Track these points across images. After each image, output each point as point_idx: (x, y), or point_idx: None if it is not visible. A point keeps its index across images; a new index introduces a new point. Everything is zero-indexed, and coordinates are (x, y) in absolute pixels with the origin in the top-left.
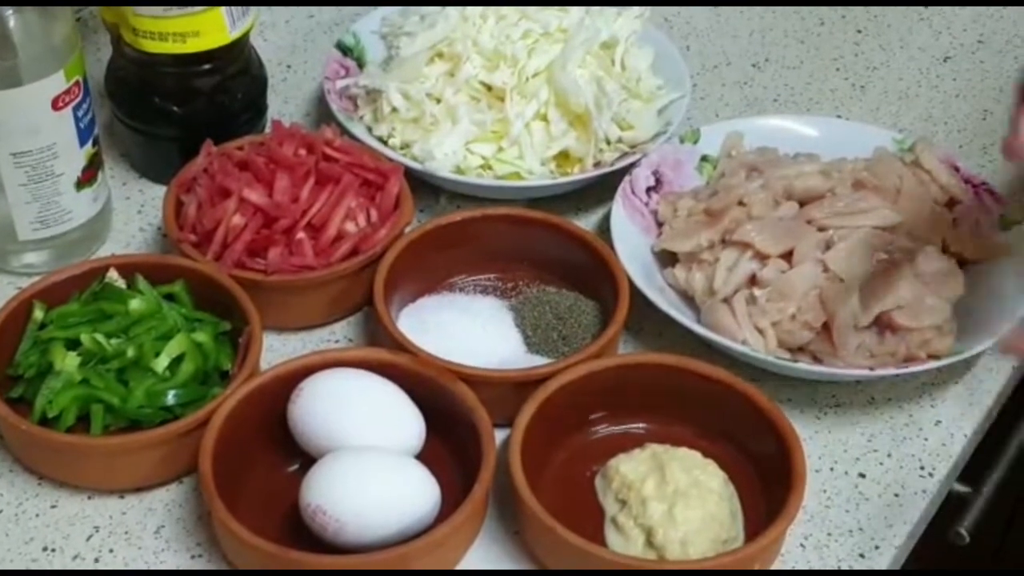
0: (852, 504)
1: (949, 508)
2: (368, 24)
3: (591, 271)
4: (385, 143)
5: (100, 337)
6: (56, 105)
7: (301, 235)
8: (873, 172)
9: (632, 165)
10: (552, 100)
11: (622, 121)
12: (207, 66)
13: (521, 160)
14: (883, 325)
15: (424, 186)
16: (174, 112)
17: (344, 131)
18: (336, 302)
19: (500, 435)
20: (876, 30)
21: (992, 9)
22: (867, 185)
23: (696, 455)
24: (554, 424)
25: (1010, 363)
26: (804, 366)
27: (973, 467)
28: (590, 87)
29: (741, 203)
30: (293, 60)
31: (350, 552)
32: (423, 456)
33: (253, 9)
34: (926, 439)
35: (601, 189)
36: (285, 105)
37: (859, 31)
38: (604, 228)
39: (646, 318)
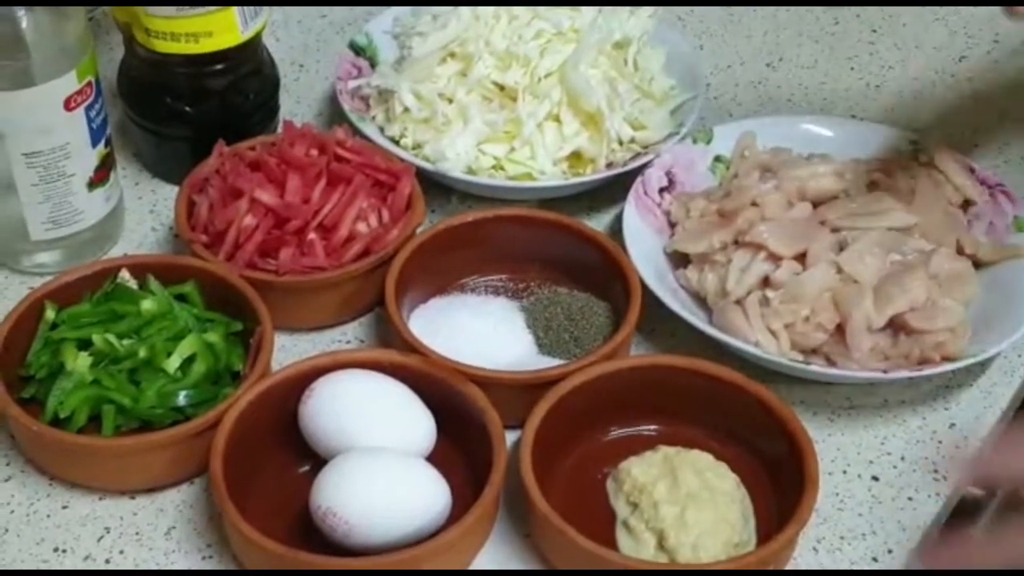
0: (865, 507)
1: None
2: (380, 24)
3: (603, 272)
4: (397, 143)
5: (112, 337)
6: (68, 105)
7: (312, 236)
8: (887, 173)
9: (645, 166)
10: (564, 100)
11: (634, 121)
12: (219, 66)
13: (533, 160)
14: (897, 327)
15: (436, 186)
16: (186, 112)
17: (356, 131)
18: (347, 303)
19: (511, 437)
20: (891, 29)
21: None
22: (881, 186)
23: (708, 457)
24: (565, 426)
25: None
26: (817, 368)
27: None
28: (602, 87)
29: (754, 204)
30: (305, 60)
31: (360, 554)
32: (433, 458)
33: (265, 9)
34: (940, 442)
35: (613, 190)
36: (297, 105)
37: (874, 31)
38: (616, 229)
39: (658, 319)
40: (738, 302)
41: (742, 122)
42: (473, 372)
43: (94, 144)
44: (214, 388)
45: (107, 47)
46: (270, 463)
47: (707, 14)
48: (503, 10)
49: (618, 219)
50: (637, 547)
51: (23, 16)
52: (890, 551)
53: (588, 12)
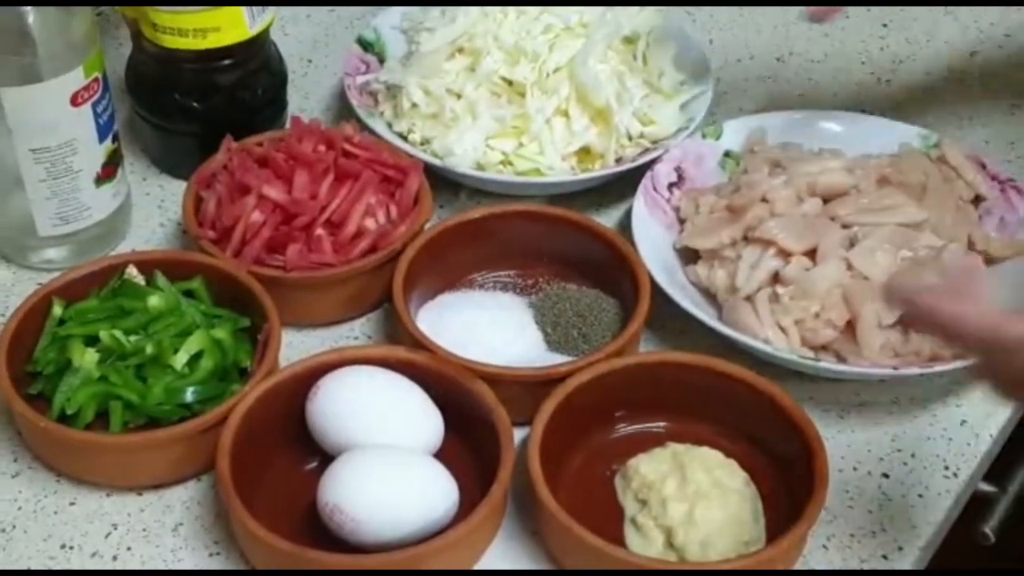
0: (875, 505)
1: (974, 508)
2: (389, 19)
3: (612, 268)
4: (405, 139)
5: (119, 334)
6: (75, 101)
7: (320, 232)
8: (898, 168)
9: (654, 161)
10: (573, 95)
11: (643, 116)
12: (227, 62)
13: (542, 156)
14: (908, 324)
15: (444, 182)
16: (194, 108)
17: (364, 127)
18: (355, 299)
19: (519, 434)
20: (902, 24)
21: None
22: (892, 182)
23: (717, 455)
24: (574, 423)
25: None
26: (828, 365)
27: (998, 466)
28: (611, 82)
29: (764, 200)
30: (314, 55)
31: (367, 551)
32: (441, 455)
33: (274, 6)
34: (951, 439)
35: (622, 185)
36: (305, 100)
37: (884, 25)
38: (625, 225)
39: (667, 316)
40: (748, 298)
41: (752, 117)
42: (481, 369)
43: (101, 140)
44: (221, 384)
45: (115, 42)
46: (277, 460)
47: (716, 8)
48: (511, 5)
49: (627, 215)
50: (645, 545)
51: (30, 12)
52: (900, 548)
53: (596, 7)
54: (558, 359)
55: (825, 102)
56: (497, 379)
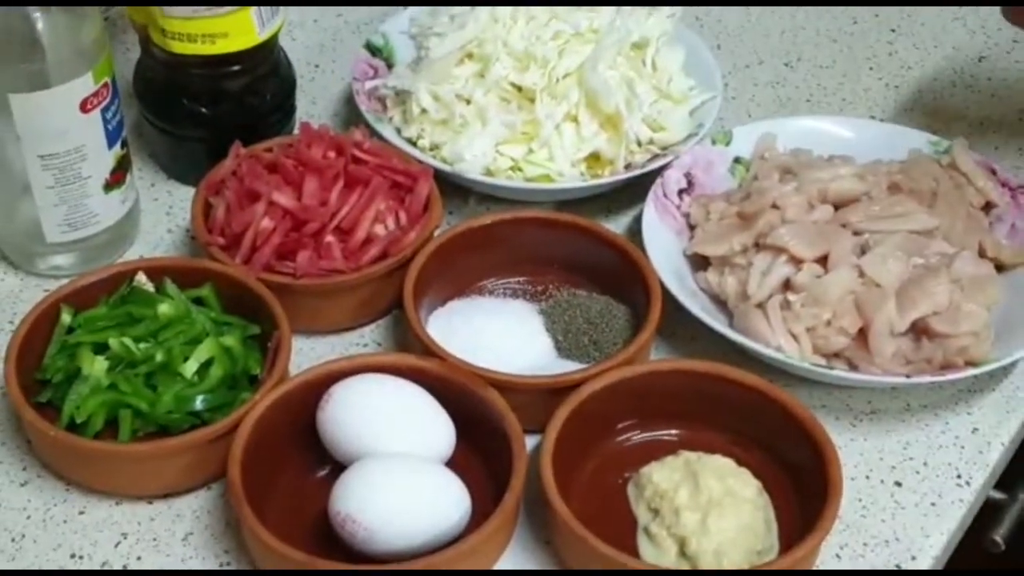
0: (888, 514)
1: (984, 515)
2: (397, 24)
3: (622, 275)
4: (414, 144)
5: (128, 341)
6: (84, 107)
7: (330, 238)
8: (909, 175)
9: (663, 167)
10: (583, 101)
11: (653, 122)
12: (236, 67)
13: (551, 162)
14: (920, 331)
15: (453, 188)
16: (203, 113)
17: (373, 132)
18: (365, 305)
19: (530, 441)
20: (910, 29)
21: None
22: (903, 188)
23: (730, 463)
24: (585, 431)
25: None
26: (840, 373)
27: (1008, 473)
28: (621, 88)
29: (775, 206)
30: (321, 60)
31: (380, 560)
32: (453, 463)
33: (282, 10)
34: (963, 447)
35: (631, 191)
36: (313, 105)
37: (892, 30)
38: (634, 231)
39: (678, 322)
40: (759, 305)
41: (761, 123)
42: (492, 376)
43: (110, 146)
44: (231, 392)
45: (123, 47)
46: (288, 468)
47: (724, 13)
48: (521, 11)
49: (636, 221)
50: (659, 554)
51: (39, 17)
52: (913, 558)
53: (606, 13)
54: (569, 366)
55: (834, 108)
56: (508, 387)
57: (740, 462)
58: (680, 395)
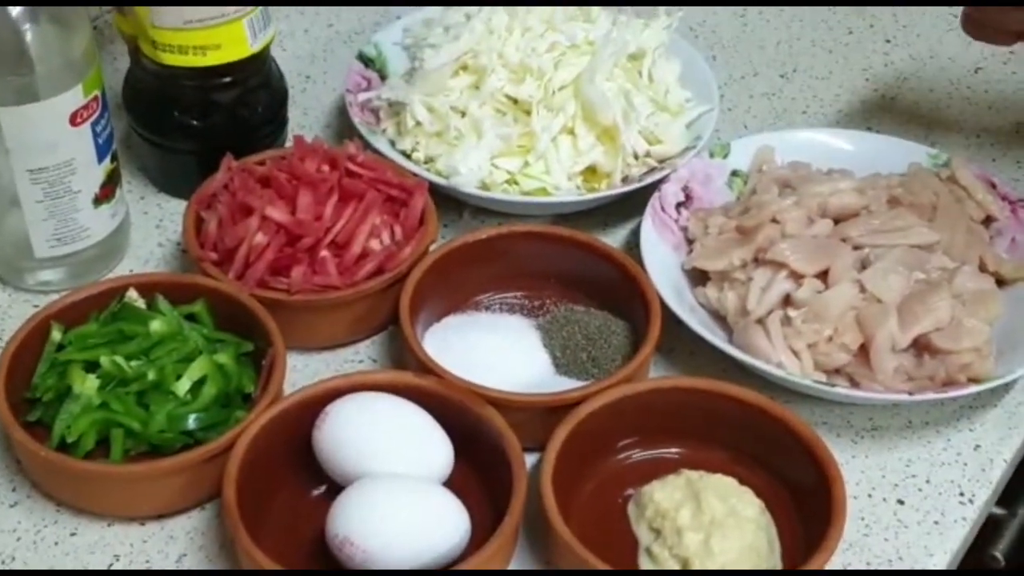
0: (891, 532)
1: (984, 530)
2: (390, 35)
3: (621, 290)
4: (409, 157)
5: (120, 359)
6: (74, 121)
7: (325, 253)
8: (908, 189)
9: (661, 180)
10: (579, 114)
11: (650, 135)
12: (227, 79)
13: (548, 175)
14: (921, 347)
15: (448, 200)
16: (194, 126)
17: (366, 145)
18: (360, 321)
19: (528, 459)
20: (905, 40)
21: None
22: (903, 202)
23: (732, 482)
24: (586, 449)
25: None
26: (843, 391)
27: (1009, 488)
28: (618, 100)
29: (774, 220)
30: (312, 71)
31: None
32: (451, 483)
33: (274, 22)
34: (965, 464)
35: (628, 205)
36: (305, 117)
37: (888, 41)
38: (631, 244)
39: (677, 338)
40: (759, 321)
41: (759, 135)
42: (491, 394)
43: (100, 160)
44: (225, 411)
45: (110, 57)
46: (283, 488)
47: (720, 24)
48: (516, 22)
49: (633, 235)
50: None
51: (28, 29)
52: None
53: (603, 24)
54: (567, 383)
55: (830, 119)
56: (507, 405)
57: (742, 481)
58: (681, 413)
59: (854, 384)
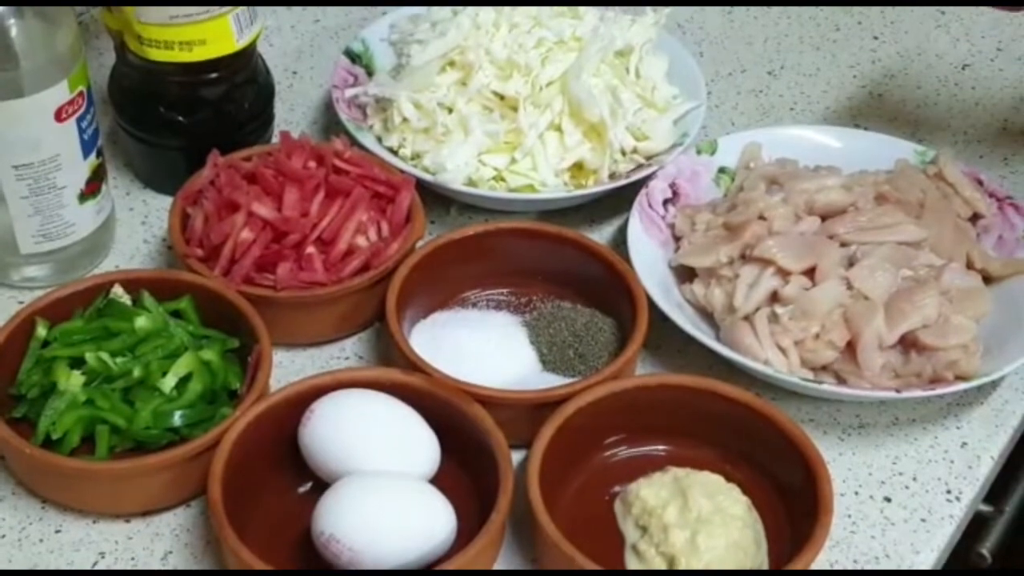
0: (878, 530)
1: (971, 528)
2: (377, 31)
3: (608, 287)
4: (395, 153)
5: (105, 356)
6: (59, 116)
7: (311, 250)
8: (895, 185)
9: (648, 177)
10: (566, 110)
11: (637, 131)
12: (214, 75)
13: (535, 172)
14: (908, 345)
15: (434, 196)
16: (180, 122)
17: (353, 141)
18: (346, 318)
19: (515, 455)
20: (893, 37)
21: (1011, 16)
22: (890, 199)
23: (719, 479)
24: (572, 446)
25: None
26: (829, 387)
27: (995, 486)
28: (605, 97)
29: (761, 217)
30: (299, 66)
31: None
32: (437, 480)
33: (261, 17)
34: (952, 461)
35: (615, 201)
36: (291, 112)
37: (875, 38)
38: (618, 241)
39: (664, 335)
40: (746, 318)
41: (747, 132)
42: (478, 391)
43: (85, 155)
44: (210, 408)
45: (96, 52)
46: (269, 485)
47: (707, 20)
48: (504, 18)
49: (620, 231)
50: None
51: (13, 24)
52: None
53: (590, 20)
54: (553, 379)
55: (817, 116)
56: (494, 402)
57: (729, 478)
58: (668, 410)
59: (841, 381)
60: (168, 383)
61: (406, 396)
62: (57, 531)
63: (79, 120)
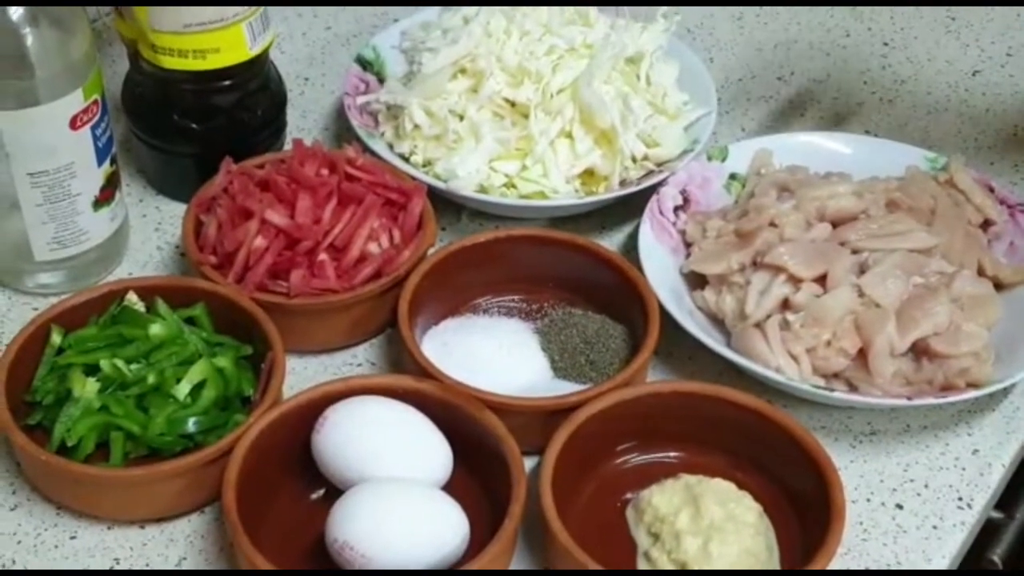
0: (890, 537)
1: (981, 534)
2: (388, 38)
3: (619, 293)
4: (407, 160)
5: (120, 363)
6: (74, 124)
7: (323, 257)
8: (906, 192)
9: (659, 184)
10: (577, 117)
11: (647, 138)
12: (227, 82)
13: (546, 178)
14: (920, 352)
15: (445, 203)
16: (193, 129)
17: (365, 148)
18: (358, 325)
19: (527, 462)
20: (903, 43)
21: (1021, 21)
22: (901, 206)
23: (731, 487)
24: (584, 453)
25: None
26: (841, 395)
27: (1006, 492)
28: (616, 103)
29: (773, 224)
30: (311, 73)
31: None
32: (450, 486)
33: (273, 25)
34: (963, 469)
35: (626, 208)
36: (303, 119)
37: (886, 44)
38: (629, 248)
39: (675, 341)
40: (758, 325)
41: (757, 139)
42: (489, 398)
43: (100, 163)
44: (224, 414)
45: (110, 60)
46: (282, 491)
47: (717, 26)
48: (515, 26)
49: (631, 238)
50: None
51: (28, 33)
52: None
53: (600, 27)
54: (565, 386)
55: (828, 122)
56: (505, 408)
57: (741, 485)
58: (680, 417)
59: (852, 388)
60: (182, 390)
61: (418, 403)
62: (72, 537)
63: (93, 128)
